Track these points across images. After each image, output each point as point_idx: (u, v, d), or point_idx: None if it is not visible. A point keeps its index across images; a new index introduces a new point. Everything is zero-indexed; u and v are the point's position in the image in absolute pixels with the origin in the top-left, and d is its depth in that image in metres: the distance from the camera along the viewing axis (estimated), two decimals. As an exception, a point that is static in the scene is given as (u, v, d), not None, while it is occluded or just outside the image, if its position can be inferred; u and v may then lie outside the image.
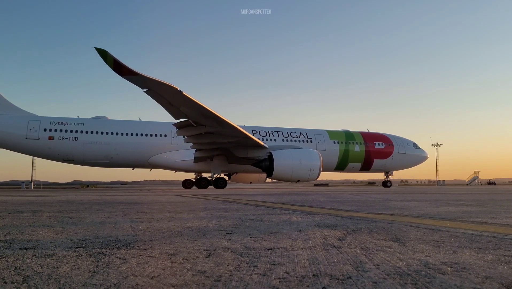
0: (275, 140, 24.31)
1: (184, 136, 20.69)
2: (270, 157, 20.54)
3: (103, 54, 14.73)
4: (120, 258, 1.87)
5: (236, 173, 25.45)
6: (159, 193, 14.42)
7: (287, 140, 24.60)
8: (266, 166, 20.85)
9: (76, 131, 22.09)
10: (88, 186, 58.97)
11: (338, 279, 1.46)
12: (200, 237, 2.62)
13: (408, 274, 1.54)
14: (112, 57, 14.60)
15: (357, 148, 25.88)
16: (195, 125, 18.96)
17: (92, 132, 22.37)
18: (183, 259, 1.86)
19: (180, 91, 15.51)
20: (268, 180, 27.65)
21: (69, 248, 2.17)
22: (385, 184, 28.48)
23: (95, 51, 14.73)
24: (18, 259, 1.86)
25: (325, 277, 1.50)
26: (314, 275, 1.54)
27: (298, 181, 21.43)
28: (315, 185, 59.04)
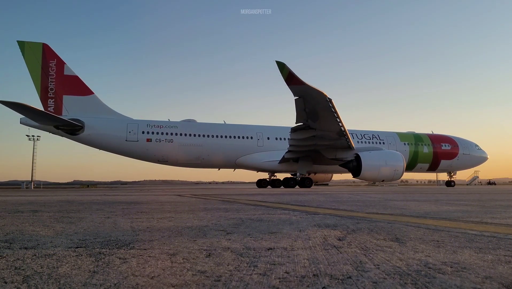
0: None
1: (289, 139, 22.70)
2: (357, 158, 21.98)
3: (281, 66, 17.36)
4: (120, 258, 1.87)
5: (315, 173, 27.08)
6: (159, 193, 14.42)
7: (362, 142, 25.94)
8: (354, 166, 22.31)
9: (171, 134, 23.54)
10: (88, 186, 59.05)
11: (338, 279, 1.46)
12: (200, 237, 2.62)
13: (408, 274, 1.54)
14: (288, 69, 17.25)
15: (426, 149, 27.33)
16: (305, 129, 20.95)
17: (185, 134, 23.78)
18: (183, 259, 1.86)
19: (330, 99, 18.29)
20: (333, 179, 30.58)
21: (69, 248, 2.17)
22: (449, 183, 29.66)
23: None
24: (18, 259, 1.86)
25: (325, 277, 1.50)
26: (314, 275, 1.54)
27: (383, 180, 23.00)
28: (315, 184, 59.00)
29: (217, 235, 2.71)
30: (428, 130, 29.67)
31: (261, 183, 27.30)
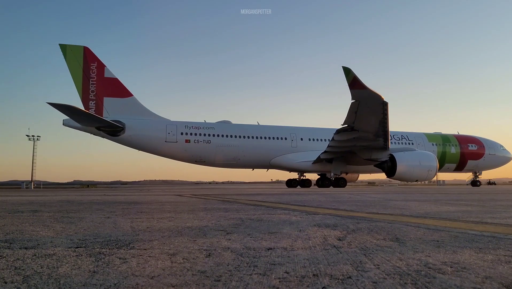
0: None
1: (327, 140, 23.46)
2: (391, 159, 22.54)
3: (347, 71, 18.08)
4: (120, 258, 1.87)
5: (346, 173, 27.31)
6: (159, 193, 14.43)
7: (391, 143, 26.23)
8: (388, 166, 22.82)
9: (209, 135, 23.96)
10: (88, 186, 59.11)
11: (338, 279, 1.46)
12: (200, 237, 2.62)
13: (408, 274, 1.54)
14: (354, 74, 18.02)
15: (453, 150, 27.96)
16: (348, 131, 21.39)
17: (222, 135, 24.21)
18: (183, 259, 1.86)
19: (386, 103, 19.30)
20: (359, 179, 31.52)
21: (69, 248, 2.17)
22: (475, 183, 30.12)
23: None
24: (18, 259, 1.86)
25: (325, 277, 1.50)
26: (314, 275, 1.53)
27: (416, 180, 23.59)
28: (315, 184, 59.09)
29: (217, 235, 2.71)
30: (447, 131, 30.18)
31: (291, 183, 28.01)
